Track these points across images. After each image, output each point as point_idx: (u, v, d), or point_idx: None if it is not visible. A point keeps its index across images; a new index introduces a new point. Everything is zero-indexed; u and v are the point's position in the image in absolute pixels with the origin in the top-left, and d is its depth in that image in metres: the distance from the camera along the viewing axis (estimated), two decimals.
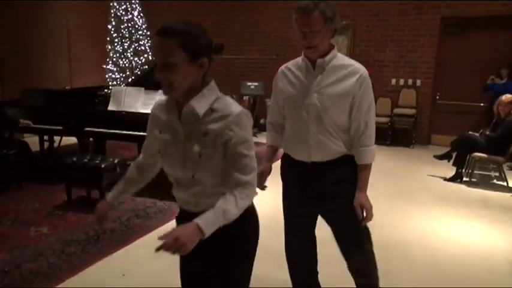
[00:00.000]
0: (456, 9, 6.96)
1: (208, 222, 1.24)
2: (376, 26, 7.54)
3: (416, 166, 5.90)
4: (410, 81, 7.46)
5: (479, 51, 7.00)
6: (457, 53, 7.20)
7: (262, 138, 3.07)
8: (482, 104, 6.94)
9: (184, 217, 1.42)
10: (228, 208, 1.27)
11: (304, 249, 2.20)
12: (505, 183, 5.15)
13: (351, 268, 2.15)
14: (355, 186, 1.96)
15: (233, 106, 1.34)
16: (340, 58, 1.92)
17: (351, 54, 7.76)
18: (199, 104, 1.32)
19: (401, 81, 7.50)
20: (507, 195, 4.85)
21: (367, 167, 1.96)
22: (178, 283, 2.84)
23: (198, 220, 1.23)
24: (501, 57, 6.70)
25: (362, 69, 1.89)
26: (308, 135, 1.92)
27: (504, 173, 5.22)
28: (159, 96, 4.43)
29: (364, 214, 1.95)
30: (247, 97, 8.20)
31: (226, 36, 8.63)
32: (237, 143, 1.31)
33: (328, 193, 1.97)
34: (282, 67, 2.08)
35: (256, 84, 8.19)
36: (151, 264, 2.99)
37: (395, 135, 7.17)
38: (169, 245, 1.17)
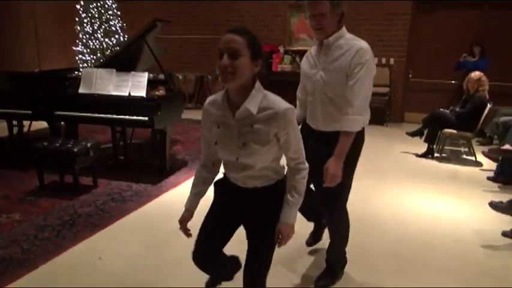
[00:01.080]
0: None
1: (292, 216, 1.70)
2: (350, 4, 7.41)
3: (390, 143, 6.03)
4: (384, 60, 7.54)
5: (452, 29, 7.11)
6: (430, 32, 7.30)
7: None
8: (453, 82, 7.09)
9: (228, 185, 1.76)
10: (296, 201, 1.69)
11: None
12: (473, 158, 5.33)
13: (327, 222, 2.49)
14: (352, 153, 2.16)
15: (278, 103, 1.57)
16: (348, 37, 2.11)
17: None
18: (251, 105, 1.55)
19: (376, 60, 7.55)
20: (475, 169, 5.03)
21: (346, 135, 2.11)
22: (155, 264, 2.86)
23: (288, 221, 1.69)
24: (473, 35, 6.82)
25: (362, 44, 2.07)
26: (317, 107, 2.20)
27: (473, 148, 5.40)
28: (132, 78, 4.36)
29: (328, 178, 2.11)
30: None
31: (202, 16, 8.48)
32: (286, 135, 1.59)
33: (321, 154, 2.13)
34: (308, 51, 2.31)
35: None
36: (129, 247, 2.99)
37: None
38: (285, 241, 1.71)
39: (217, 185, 1.85)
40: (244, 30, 1.52)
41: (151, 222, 3.39)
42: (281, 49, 7.95)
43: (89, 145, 4.01)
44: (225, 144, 1.64)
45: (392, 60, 7.51)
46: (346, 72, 2.06)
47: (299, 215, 2.09)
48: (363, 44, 2.09)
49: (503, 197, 3.56)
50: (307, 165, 1.71)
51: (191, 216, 1.83)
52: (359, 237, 2.93)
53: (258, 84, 1.58)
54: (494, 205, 3.33)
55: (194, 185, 1.84)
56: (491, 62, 6.40)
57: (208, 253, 1.85)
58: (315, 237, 2.90)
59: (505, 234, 3.24)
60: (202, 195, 1.85)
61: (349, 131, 2.10)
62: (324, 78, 2.12)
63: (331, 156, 2.10)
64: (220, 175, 1.85)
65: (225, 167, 1.76)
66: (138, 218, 3.48)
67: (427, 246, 3.08)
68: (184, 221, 1.83)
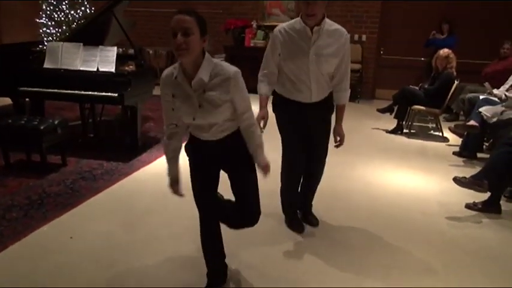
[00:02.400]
0: None
1: (263, 154, 2.02)
2: None
3: (361, 120, 6.13)
4: (356, 37, 7.57)
5: (422, 6, 7.19)
6: (401, 8, 7.35)
7: None
8: (423, 59, 7.21)
9: (199, 144, 2.03)
10: (260, 141, 2.02)
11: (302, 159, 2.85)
12: (440, 134, 5.51)
13: (314, 172, 2.90)
14: (330, 115, 2.74)
15: (228, 68, 1.86)
16: (329, 23, 2.51)
17: (299, 9, 7.67)
18: (203, 74, 1.81)
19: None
20: (442, 144, 5.21)
21: (345, 106, 2.74)
22: (128, 242, 2.84)
23: (262, 159, 2.02)
24: (442, 12, 6.92)
25: (345, 31, 2.55)
26: (311, 83, 2.57)
27: (440, 124, 5.57)
28: (100, 53, 4.20)
29: (339, 140, 2.76)
30: None
31: None
32: (236, 94, 1.88)
33: (317, 119, 2.70)
34: (280, 28, 2.59)
35: None
36: (101, 226, 2.95)
37: None
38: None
39: (188, 150, 2.09)
40: (192, 11, 1.76)
41: (124, 201, 3.36)
42: (254, 24, 7.83)
43: (56, 122, 3.88)
44: (189, 112, 1.89)
45: (364, 37, 7.55)
46: (339, 56, 2.53)
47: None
48: (343, 28, 2.54)
49: (467, 171, 3.72)
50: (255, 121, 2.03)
51: (177, 179, 2.12)
52: (331, 212, 3.01)
53: (207, 55, 1.84)
54: (458, 180, 3.46)
55: (168, 157, 2.11)
56: (459, 40, 6.54)
57: (213, 202, 2.14)
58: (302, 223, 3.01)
59: (468, 206, 3.40)
60: (178, 159, 2.10)
61: (345, 103, 2.71)
62: (320, 59, 2.49)
63: (336, 124, 2.74)
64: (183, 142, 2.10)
65: (193, 131, 2.02)
66: (110, 197, 3.43)
67: (395, 219, 3.19)
68: (173, 185, 2.13)
